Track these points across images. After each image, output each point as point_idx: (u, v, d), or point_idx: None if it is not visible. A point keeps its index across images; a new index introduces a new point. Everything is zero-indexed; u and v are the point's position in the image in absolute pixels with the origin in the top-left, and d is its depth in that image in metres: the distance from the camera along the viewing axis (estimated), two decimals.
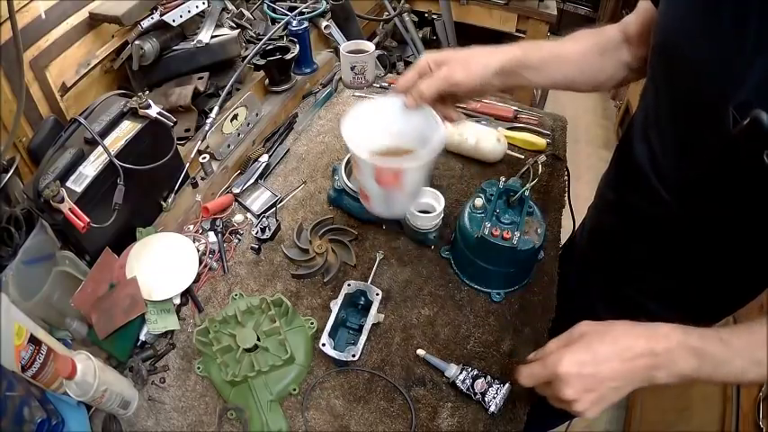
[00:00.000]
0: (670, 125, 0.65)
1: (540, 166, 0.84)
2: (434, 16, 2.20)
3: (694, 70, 0.57)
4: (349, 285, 0.83)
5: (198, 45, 1.18)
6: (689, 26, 0.57)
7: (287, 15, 1.32)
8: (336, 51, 1.46)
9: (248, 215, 1.03)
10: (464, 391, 0.74)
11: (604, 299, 0.89)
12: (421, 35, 2.26)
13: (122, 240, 0.89)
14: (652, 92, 0.69)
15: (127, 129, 0.88)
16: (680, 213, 0.67)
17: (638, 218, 0.74)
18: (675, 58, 0.61)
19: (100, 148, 0.83)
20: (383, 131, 0.71)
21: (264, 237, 0.96)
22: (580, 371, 0.55)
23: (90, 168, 0.83)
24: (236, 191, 1.05)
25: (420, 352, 0.79)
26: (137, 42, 1.09)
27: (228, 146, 1.11)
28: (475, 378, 0.73)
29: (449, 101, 0.72)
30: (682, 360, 0.54)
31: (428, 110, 0.68)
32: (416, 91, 0.67)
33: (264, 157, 1.12)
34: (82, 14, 1.06)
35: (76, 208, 0.77)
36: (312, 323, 0.82)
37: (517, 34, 2.39)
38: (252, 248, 0.96)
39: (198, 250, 0.91)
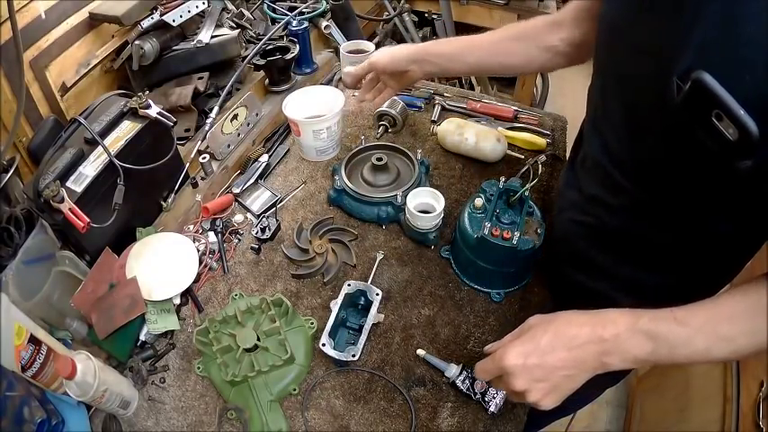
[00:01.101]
0: (619, 112, 0.64)
1: (540, 166, 0.85)
2: (434, 16, 2.21)
3: (637, 50, 0.57)
4: (349, 285, 0.83)
5: (198, 45, 1.18)
6: (630, 10, 0.58)
7: (287, 15, 1.32)
8: (336, 51, 1.46)
9: (248, 215, 1.03)
10: (464, 391, 0.74)
11: (583, 297, 0.89)
12: (421, 35, 2.26)
13: (122, 240, 0.89)
14: (599, 85, 0.69)
15: (127, 129, 0.88)
16: (641, 199, 0.66)
17: (604, 211, 0.74)
18: (619, 43, 0.61)
19: (100, 148, 0.83)
20: (318, 106, 1.12)
21: (264, 237, 0.96)
22: (525, 362, 0.56)
23: (90, 168, 0.83)
24: (236, 191, 1.05)
25: (420, 352, 0.79)
26: (137, 42, 1.09)
27: (228, 146, 1.11)
28: (475, 378, 0.73)
29: (389, 85, 1.00)
30: (633, 344, 0.54)
31: (343, 97, 1.09)
32: (354, 70, 0.99)
33: (264, 157, 1.12)
34: (82, 14, 1.06)
35: (76, 208, 0.77)
36: (312, 323, 0.82)
37: None
38: (252, 248, 0.96)
39: (198, 250, 0.91)
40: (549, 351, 0.56)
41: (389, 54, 0.93)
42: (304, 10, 1.36)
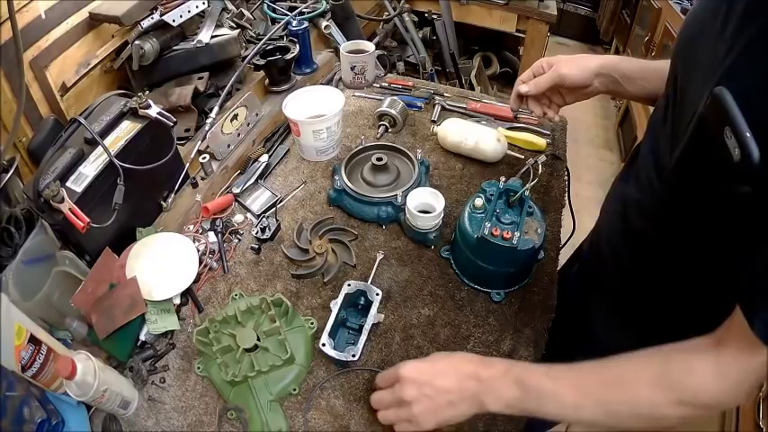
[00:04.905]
0: (671, 118, 0.67)
1: (540, 166, 0.84)
2: (434, 16, 2.21)
3: (695, 65, 0.60)
4: (349, 285, 0.83)
5: (198, 45, 1.18)
6: (693, 29, 0.62)
7: (287, 15, 1.32)
8: (336, 51, 1.46)
9: (248, 215, 1.03)
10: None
11: (598, 298, 0.91)
12: (421, 35, 2.26)
13: (122, 240, 0.89)
14: (665, 92, 0.72)
15: (127, 129, 0.88)
16: (665, 200, 0.68)
17: (636, 209, 0.76)
18: (680, 57, 0.65)
19: (100, 148, 0.83)
20: (318, 106, 1.13)
21: (264, 237, 0.96)
22: (418, 376, 0.64)
23: (90, 168, 0.83)
24: (236, 191, 1.05)
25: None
26: (137, 42, 1.09)
27: (228, 146, 1.11)
28: None
29: (555, 100, 0.90)
30: (504, 388, 0.60)
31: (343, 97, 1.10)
32: (534, 83, 0.85)
33: (264, 157, 1.12)
34: (82, 14, 1.06)
35: (76, 208, 0.77)
36: (312, 323, 0.82)
37: (517, 34, 2.40)
38: (252, 248, 0.95)
39: (198, 250, 0.91)
40: (441, 375, 0.63)
41: (579, 66, 0.83)
42: (304, 10, 1.36)
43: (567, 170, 1.12)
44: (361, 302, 0.84)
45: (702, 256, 0.65)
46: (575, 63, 0.83)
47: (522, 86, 0.87)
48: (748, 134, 0.45)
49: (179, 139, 1.08)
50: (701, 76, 0.57)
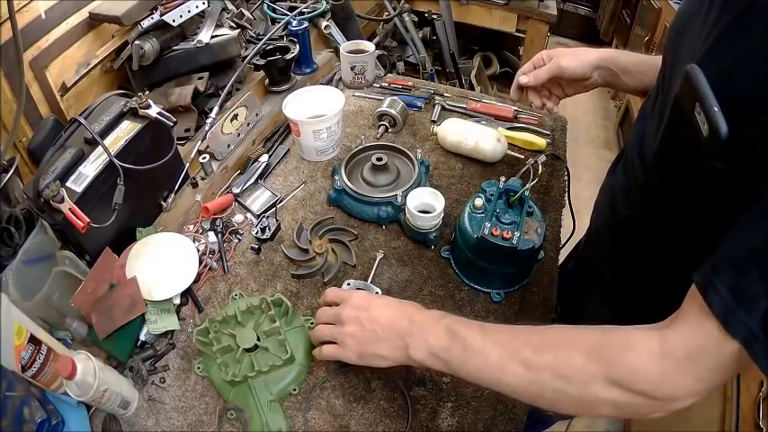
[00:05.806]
0: (659, 108, 0.68)
1: (540, 166, 0.84)
2: (434, 16, 2.21)
3: (678, 54, 0.62)
4: (349, 285, 0.83)
5: (198, 45, 1.18)
6: (681, 21, 0.63)
7: (287, 15, 1.32)
8: (336, 51, 1.46)
9: (248, 215, 1.03)
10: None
11: (592, 294, 0.91)
12: (421, 35, 2.27)
13: (122, 240, 0.89)
14: (656, 82, 0.73)
15: (127, 129, 0.88)
16: (648, 184, 0.69)
17: (622, 196, 0.76)
18: (669, 49, 0.66)
19: (100, 148, 0.83)
20: (318, 106, 1.13)
21: (264, 237, 0.96)
22: (360, 302, 0.67)
23: (90, 168, 0.83)
24: (236, 191, 1.05)
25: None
26: (137, 42, 1.09)
27: (228, 146, 1.11)
28: None
29: (555, 92, 0.92)
30: (432, 333, 0.60)
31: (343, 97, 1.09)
32: (534, 74, 0.87)
33: (264, 157, 1.12)
34: (82, 14, 1.06)
35: (76, 208, 0.77)
36: (312, 323, 0.81)
37: (517, 34, 2.40)
38: (252, 248, 0.96)
39: (198, 250, 0.91)
40: (380, 306, 0.66)
41: (578, 59, 0.85)
42: (304, 10, 1.36)
43: (567, 170, 1.12)
44: None
45: (687, 241, 0.64)
46: (574, 56, 0.85)
47: (522, 77, 0.89)
48: (716, 108, 0.44)
49: (179, 139, 1.08)
50: (685, 63, 0.57)
